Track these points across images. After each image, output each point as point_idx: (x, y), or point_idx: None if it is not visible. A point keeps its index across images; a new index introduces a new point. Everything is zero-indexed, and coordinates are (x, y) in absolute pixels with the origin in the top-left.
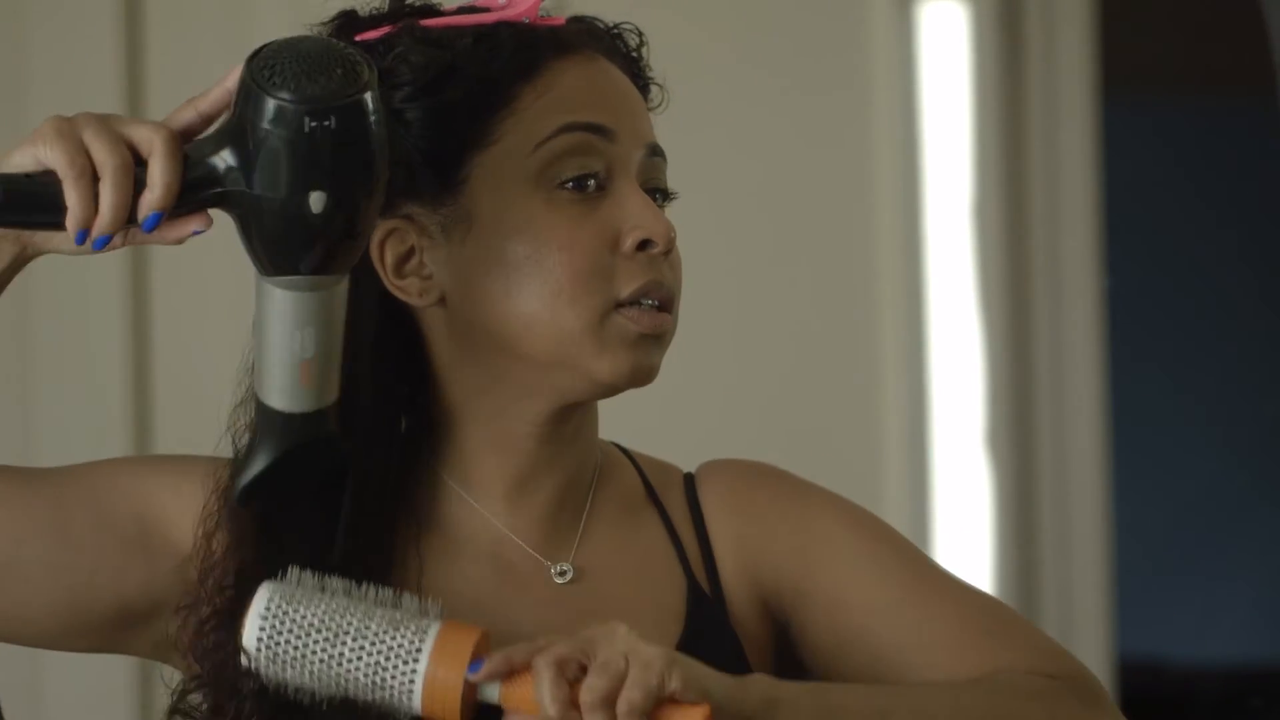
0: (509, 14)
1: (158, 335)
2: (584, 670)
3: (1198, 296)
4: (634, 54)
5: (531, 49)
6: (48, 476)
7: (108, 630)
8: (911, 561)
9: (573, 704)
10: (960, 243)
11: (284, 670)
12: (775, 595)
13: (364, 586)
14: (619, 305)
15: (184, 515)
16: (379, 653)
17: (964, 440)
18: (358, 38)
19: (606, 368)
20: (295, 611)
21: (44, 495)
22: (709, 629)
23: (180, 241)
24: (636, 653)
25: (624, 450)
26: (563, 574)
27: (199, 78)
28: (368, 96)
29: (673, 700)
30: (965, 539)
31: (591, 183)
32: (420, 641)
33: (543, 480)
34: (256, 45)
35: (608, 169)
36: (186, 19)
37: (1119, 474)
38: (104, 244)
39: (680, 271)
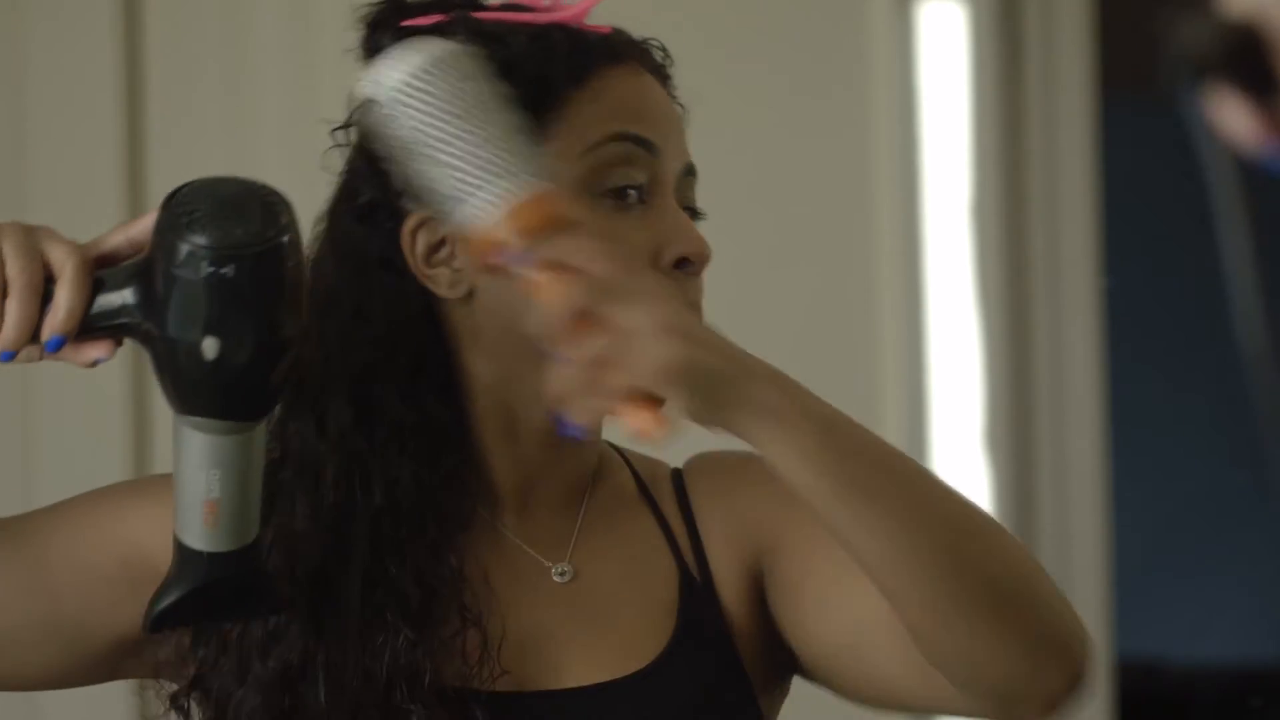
0: (557, 16)
1: None
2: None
3: (1197, 296)
4: (665, 72)
5: (584, 54)
6: (22, 532)
7: (108, 664)
8: None
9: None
10: (959, 242)
11: (389, 121)
12: (756, 561)
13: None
14: None
15: (167, 543)
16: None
17: (963, 440)
18: (404, 23)
19: None
20: (439, 87)
21: (23, 555)
22: (700, 618)
23: (88, 365)
24: (645, 348)
25: (615, 447)
26: (563, 574)
27: (199, 78)
28: (279, 246)
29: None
30: None
31: (633, 194)
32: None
33: (547, 484)
34: (256, 45)
35: (650, 182)
36: (186, 19)
37: (1118, 474)
38: (9, 358)
39: (702, 293)
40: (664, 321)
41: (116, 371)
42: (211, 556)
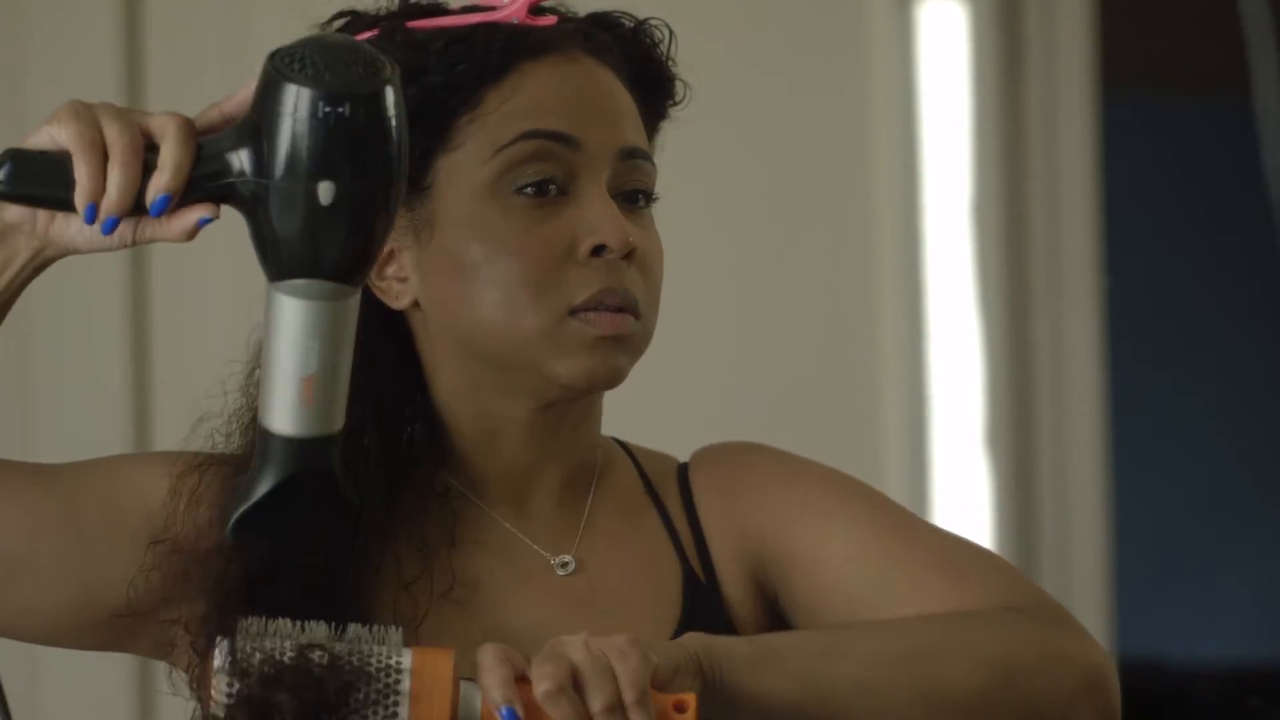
0: (502, 15)
1: (158, 335)
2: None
3: (1198, 296)
4: (654, 49)
5: (502, 52)
6: (60, 471)
7: (110, 630)
8: (887, 513)
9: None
10: (960, 242)
11: None
12: (761, 565)
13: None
14: (574, 311)
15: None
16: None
17: (964, 439)
18: (356, 37)
19: (563, 370)
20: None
21: (57, 491)
22: (704, 615)
23: (189, 236)
24: (608, 648)
25: (621, 444)
26: (564, 566)
27: (199, 76)
28: (387, 91)
29: (655, 685)
30: None
31: (552, 188)
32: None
33: (541, 478)
34: (256, 45)
35: (568, 175)
36: (186, 19)
37: (1119, 473)
38: (112, 226)
39: (655, 277)
40: (617, 650)
41: (117, 370)
42: (303, 443)
